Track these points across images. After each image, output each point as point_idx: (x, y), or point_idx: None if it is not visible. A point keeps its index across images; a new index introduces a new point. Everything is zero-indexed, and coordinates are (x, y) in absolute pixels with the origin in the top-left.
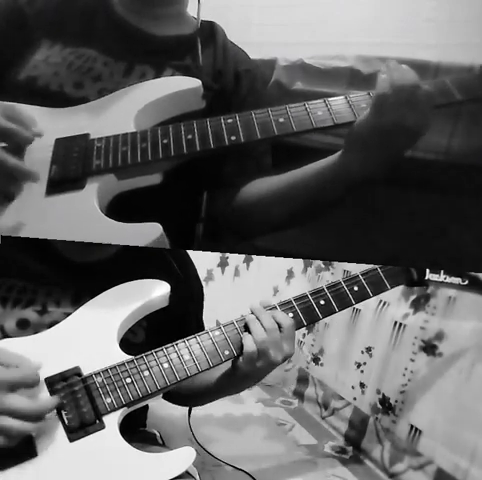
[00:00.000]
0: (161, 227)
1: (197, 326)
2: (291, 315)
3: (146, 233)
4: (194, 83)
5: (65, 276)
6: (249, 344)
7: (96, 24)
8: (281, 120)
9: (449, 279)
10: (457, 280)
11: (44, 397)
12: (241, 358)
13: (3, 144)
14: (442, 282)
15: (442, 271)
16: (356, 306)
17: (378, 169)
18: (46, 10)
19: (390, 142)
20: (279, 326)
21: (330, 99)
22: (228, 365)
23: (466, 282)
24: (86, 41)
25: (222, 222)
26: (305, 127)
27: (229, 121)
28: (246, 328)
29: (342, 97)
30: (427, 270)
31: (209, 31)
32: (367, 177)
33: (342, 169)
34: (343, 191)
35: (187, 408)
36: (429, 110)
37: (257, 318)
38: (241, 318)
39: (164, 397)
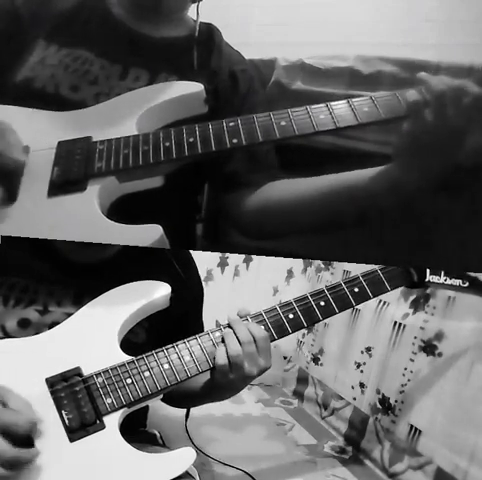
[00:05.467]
0: (161, 229)
1: (197, 327)
2: (291, 316)
3: (146, 235)
4: (196, 88)
5: (67, 276)
6: (221, 357)
7: (92, 25)
8: (283, 123)
9: (449, 281)
10: (457, 282)
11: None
12: (214, 370)
13: None
14: (443, 284)
15: (442, 273)
16: (356, 306)
17: (434, 176)
18: (42, 11)
19: (448, 146)
20: (254, 339)
21: (332, 103)
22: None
23: (466, 284)
24: (82, 43)
25: (231, 222)
26: (307, 130)
27: (231, 124)
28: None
29: (344, 101)
30: (427, 272)
31: (206, 33)
32: (423, 185)
33: (397, 177)
34: (396, 201)
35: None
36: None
37: (233, 331)
38: (243, 319)
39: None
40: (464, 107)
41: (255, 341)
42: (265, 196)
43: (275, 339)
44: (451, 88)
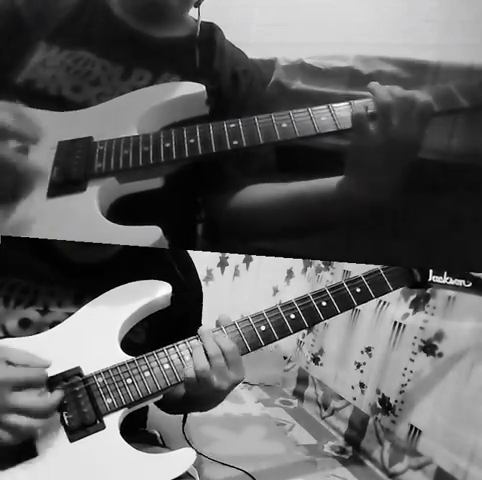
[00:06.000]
0: (161, 230)
1: (197, 329)
2: (293, 316)
3: (146, 236)
4: (198, 88)
5: (67, 276)
6: (189, 371)
7: (93, 26)
8: (284, 125)
9: (452, 281)
10: (460, 282)
11: (49, 394)
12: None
13: (17, 144)
14: (445, 284)
15: (445, 273)
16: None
17: (386, 192)
18: (43, 12)
19: (397, 159)
20: (222, 352)
21: (334, 105)
22: None
23: (469, 284)
24: (83, 44)
25: (220, 223)
26: (308, 132)
27: (232, 126)
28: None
29: (346, 103)
30: (430, 272)
31: (208, 33)
32: (374, 201)
33: (346, 193)
34: (345, 215)
35: None
36: (429, 120)
37: (202, 344)
38: (243, 319)
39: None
40: (412, 119)
41: (224, 354)
42: (246, 197)
43: (276, 340)
44: (398, 99)
